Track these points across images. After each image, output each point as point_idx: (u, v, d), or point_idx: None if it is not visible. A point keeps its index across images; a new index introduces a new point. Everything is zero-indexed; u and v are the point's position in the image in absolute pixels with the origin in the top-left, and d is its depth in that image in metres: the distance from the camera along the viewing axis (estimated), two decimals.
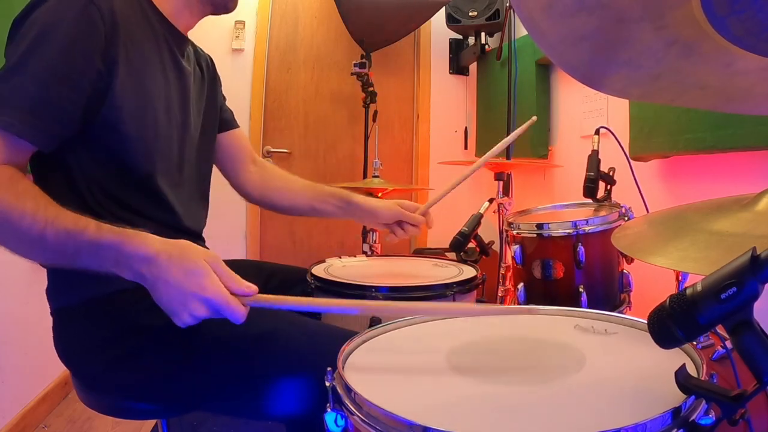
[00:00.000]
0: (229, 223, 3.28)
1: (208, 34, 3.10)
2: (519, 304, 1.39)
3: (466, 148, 3.62)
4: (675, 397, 0.50)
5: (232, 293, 0.74)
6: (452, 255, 1.65)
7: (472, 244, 1.54)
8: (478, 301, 1.22)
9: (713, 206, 0.73)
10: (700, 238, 0.64)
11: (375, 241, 1.95)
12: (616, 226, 1.30)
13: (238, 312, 0.73)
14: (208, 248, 1.04)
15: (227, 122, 1.29)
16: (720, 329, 0.48)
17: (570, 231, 1.32)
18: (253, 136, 3.32)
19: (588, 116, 2.41)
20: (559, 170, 2.71)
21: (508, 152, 2.59)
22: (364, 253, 1.91)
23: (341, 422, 0.57)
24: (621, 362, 0.65)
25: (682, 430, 0.48)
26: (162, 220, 1.00)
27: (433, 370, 0.65)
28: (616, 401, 0.55)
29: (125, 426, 2.03)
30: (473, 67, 3.52)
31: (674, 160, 1.85)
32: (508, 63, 2.70)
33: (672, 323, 0.47)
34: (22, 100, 0.79)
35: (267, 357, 0.88)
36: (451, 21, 3.13)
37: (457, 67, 3.63)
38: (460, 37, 3.54)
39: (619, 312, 0.82)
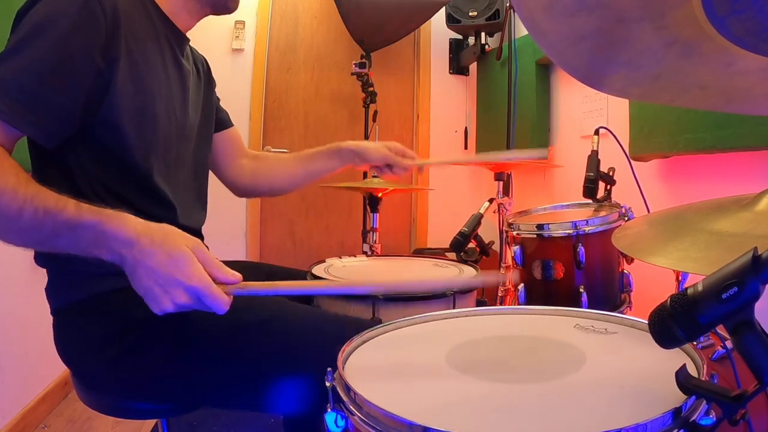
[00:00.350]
0: (229, 223, 3.28)
1: (208, 34, 3.10)
2: (519, 304, 1.39)
3: (466, 148, 3.62)
4: (675, 397, 0.50)
5: (215, 281, 0.71)
6: (452, 255, 1.65)
7: (472, 245, 1.54)
8: (479, 301, 1.22)
9: (713, 206, 0.73)
10: (701, 238, 0.64)
11: (375, 241, 1.95)
12: (617, 227, 1.30)
13: (221, 301, 0.70)
14: (207, 247, 1.05)
15: (223, 121, 1.31)
16: (720, 329, 0.48)
17: (570, 231, 1.32)
18: (253, 136, 3.32)
19: (588, 116, 2.41)
20: (559, 170, 2.71)
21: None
22: (364, 253, 1.91)
23: (341, 422, 0.57)
24: (621, 362, 0.65)
25: (682, 430, 0.48)
26: (161, 218, 0.99)
27: (433, 370, 0.65)
28: (617, 401, 0.55)
29: (125, 426, 2.03)
30: (473, 67, 3.52)
31: (674, 160, 1.85)
32: (508, 63, 2.70)
33: (673, 323, 0.47)
34: (13, 88, 0.78)
35: (267, 356, 0.88)
36: (451, 21, 3.13)
37: (457, 67, 3.63)
38: (460, 37, 3.54)
39: (620, 312, 0.82)
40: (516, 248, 1.41)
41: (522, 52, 2.72)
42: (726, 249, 0.59)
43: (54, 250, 0.75)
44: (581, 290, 1.30)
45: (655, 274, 1.03)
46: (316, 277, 1.18)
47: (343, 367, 0.65)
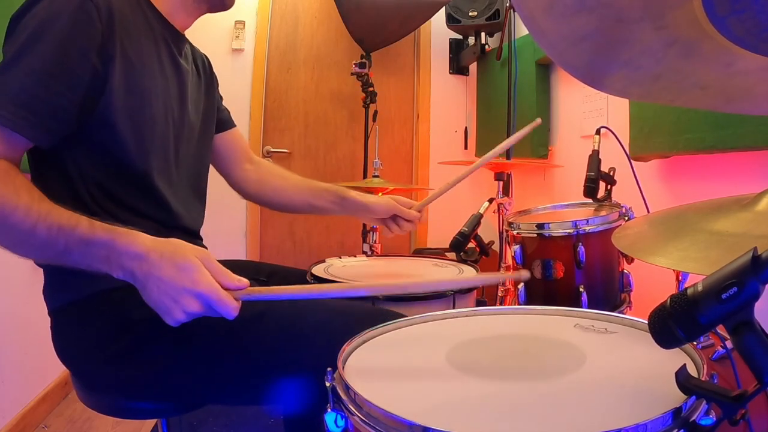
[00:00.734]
0: (229, 222, 3.28)
1: (208, 33, 3.11)
2: (519, 304, 1.39)
3: (466, 148, 3.62)
4: (675, 397, 0.50)
5: (223, 288, 0.73)
6: (452, 255, 1.65)
7: (472, 244, 1.54)
8: (479, 301, 1.22)
9: (713, 206, 0.73)
10: (701, 238, 0.64)
11: (375, 241, 1.95)
12: (617, 226, 1.30)
13: (231, 306, 0.72)
14: (205, 247, 1.05)
15: (225, 122, 1.30)
16: (720, 329, 0.48)
17: (570, 231, 1.32)
18: (253, 136, 3.32)
19: (588, 116, 2.41)
20: (559, 170, 2.71)
21: (508, 152, 2.59)
22: (364, 253, 1.91)
23: (341, 422, 0.57)
24: (621, 362, 0.65)
25: (682, 430, 0.48)
26: (159, 219, 1.00)
27: (434, 370, 0.65)
28: (617, 401, 0.55)
29: (125, 426, 2.03)
30: (473, 67, 3.52)
31: (674, 160, 1.85)
32: (508, 63, 2.70)
33: (673, 323, 0.47)
34: (17, 95, 0.79)
35: (267, 356, 0.88)
36: (451, 21, 3.13)
37: (457, 67, 3.63)
38: (460, 37, 3.54)
39: (620, 312, 0.82)
40: (516, 248, 1.41)
41: (522, 52, 2.72)
42: (726, 249, 0.59)
43: (66, 265, 0.77)
44: (581, 290, 1.30)
45: (655, 274, 1.04)
46: (316, 277, 1.18)
47: (343, 367, 0.65)
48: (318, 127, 3.49)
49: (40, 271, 0.97)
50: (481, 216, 1.58)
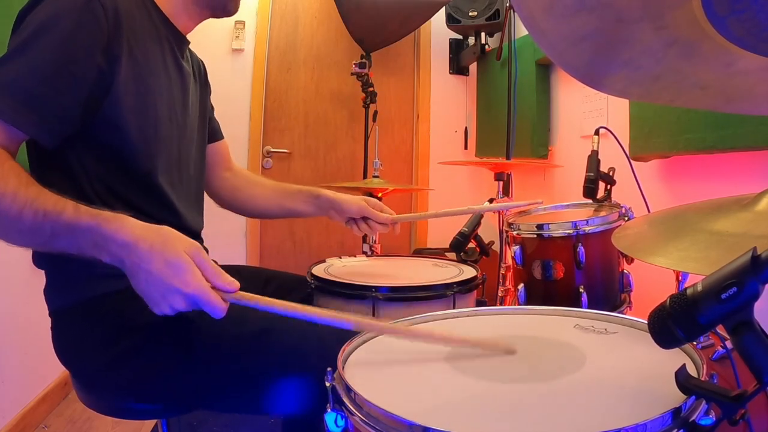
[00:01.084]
0: (229, 223, 3.28)
1: (208, 34, 3.10)
2: (519, 304, 1.39)
3: (466, 148, 3.62)
4: (675, 397, 0.50)
5: (213, 287, 0.72)
6: (452, 255, 1.65)
7: (472, 245, 1.54)
8: (479, 301, 1.22)
9: (713, 206, 0.73)
10: (701, 238, 0.64)
11: (375, 241, 1.95)
12: (617, 227, 1.30)
13: (218, 307, 0.71)
14: (206, 248, 1.05)
15: (215, 133, 1.30)
16: (720, 329, 0.48)
17: (570, 231, 1.32)
18: (253, 137, 3.32)
19: (588, 116, 2.41)
20: (559, 170, 2.71)
21: (508, 152, 2.59)
22: (364, 253, 1.91)
23: (341, 422, 0.57)
24: (621, 362, 0.65)
25: (682, 430, 0.48)
26: (164, 220, 1.00)
27: (434, 370, 0.65)
28: (617, 401, 0.55)
29: (125, 426, 2.03)
30: (473, 67, 3.52)
31: (674, 160, 1.85)
32: (508, 63, 2.70)
33: (672, 323, 0.47)
34: (17, 90, 0.79)
35: (267, 356, 0.88)
36: (451, 21, 3.13)
37: (457, 67, 3.63)
38: (460, 37, 3.54)
39: (620, 312, 0.82)
40: (516, 248, 1.41)
41: (522, 52, 2.72)
42: (726, 249, 0.59)
43: (55, 251, 0.75)
44: (581, 290, 1.30)
45: (655, 274, 1.03)
46: (316, 277, 1.18)
47: (343, 367, 0.65)
48: (318, 127, 3.49)
49: (40, 271, 0.97)
50: (481, 216, 1.58)
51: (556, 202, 1.66)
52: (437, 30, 3.51)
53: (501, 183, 2.08)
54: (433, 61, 3.63)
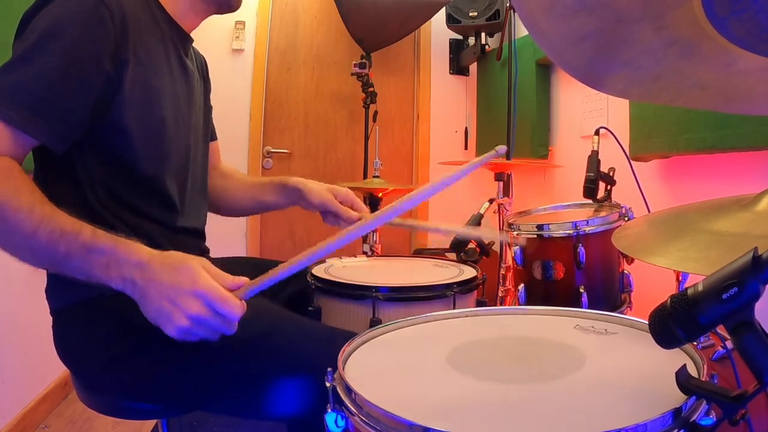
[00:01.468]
0: (229, 222, 3.25)
1: (208, 34, 3.10)
2: (520, 304, 1.39)
3: (466, 148, 3.62)
4: (675, 397, 0.50)
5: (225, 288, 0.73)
6: (452, 255, 1.65)
7: (472, 245, 1.54)
8: (479, 302, 1.22)
9: (714, 206, 0.73)
10: (701, 238, 0.64)
11: (375, 241, 1.95)
12: (617, 227, 1.30)
13: (233, 304, 0.72)
14: (207, 248, 1.05)
15: (211, 133, 1.29)
16: (720, 329, 0.48)
17: (570, 232, 1.32)
18: (253, 137, 3.32)
19: (588, 116, 2.41)
20: (559, 170, 2.71)
21: (508, 153, 2.59)
22: (364, 253, 1.91)
23: (341, 423, 0.57)
24: (621, 362, 0.65)
25: (682, 430, 0.48)
26: (165, 220, 1.00)
27: (434, 371, 0.65)
28: (617, 401, 0.55)
29: (125, 426, 2.03)
30: (473, 68, 3.52)
31: (674, 160, 1.85)
32: (509, 63, 2.70)
33: (673, 323, 0.47)
34: (24, 95, 0.79)
35: (267, 356, 0.88)
36: (451, 21, 3.13)
37: (458, 67, 3.63)
38: (461, 37, 3.54)
39: (620, 312, 0.82)
40: (516, 248, 1.41)
41: (522, 53, 2.72)
42: (726, 249, 0.59)
43: (63, 273, 0.76)
44: (581, 290, 1.30)
45: (656, 275, 1.03)
46: (316, 277, 1.18)
47: (344, 368, 0.65)
48: (318, 127, 3.49)
49: (41, 271, 0.97)
50: (481, 216, 1.58)
51: (556, 203, 1.66)
52: (437, 30, 3.51)
53: (501, 183, 2.08)
54: (434, 61, 3.63)
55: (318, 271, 1.25)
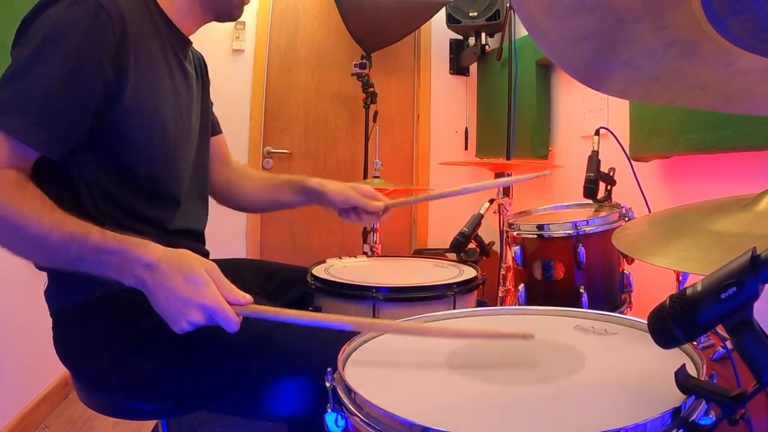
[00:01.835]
0: (229, 223, 3.28)
1: (208, 34, 3.08)
2: (520, 305, 1.39)
3: (466, 148, 3.62)
4: (675, 397, 0.50)
5: (228, 302, 0.75)
6: (452, 255, 1.65)
7: (472, 245, 1.54)
8: (479, 301, 1.22)
9: (714, 206, 0.73)
10: (701, 239, 0.64)
11: (375, 241, 1.95)
12: (617, 227, 1.30)
13: (233, 321, 0.74)
14: (207, 251, 1.05)
15: (213, 128, 1.29)
16: (720, 329, 0.48)
17: (570, 232, 1.32)
18: (253, 137, 3.32)
19: (588, 116, 2.41)
20: (559, 171, 2.70)
21: (508, 153, 2.59)
22: (365, 253, 1.91)
23: (341, 423, 0.57)
24: (621, 362, 0.65)
25: (682, 430, 0.48)
26: (164, 223, 1.00)
27: (434, 371, 0.65)
28: (616, 401, 0.55)
29: (125, 426, 2.03)
30: (473, 68, 3.52)
31: (674, 161, 1.85)
32: (509, 63, 2.70)
33: (672, 323, 0.47)
34: (27, 106, 0.79)
35: (268, 357, 0.88)
36: (452, 21, 3.13)
37: (458, 67, 3.63)
38: (461, 37, 3.54)
39: (620, 312, 0.82)
40: (516, 248, 1.41)
41: (522, 53, 2.72)
42: (726, 249, 0.59)
43: (75, 271, 0.78)
44: (581, 290, 1.30)
45: (656, 275, 1.03)
46: (316, 278, 1.18)
47: (344, 368, 0.65)
48: (318, 127, 3.49)
49: (41, 271, 0.97)
50: (481, 216, 1.58)
51: (556, 203, 1.66)
52: (437, 30, 3.51)
53: None
54: (434, 61, 3.63)
55: (318, 271, 1.25)
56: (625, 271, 1.40)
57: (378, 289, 1.08)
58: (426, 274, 1.29)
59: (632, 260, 1.36)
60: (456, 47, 3.61)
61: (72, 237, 0.76)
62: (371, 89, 3.00)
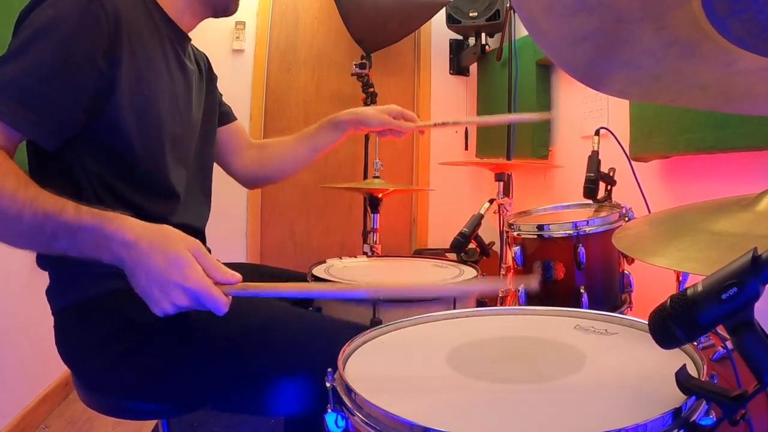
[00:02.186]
0: (229, 223, 3.28)
1: (208, 34, 3.10)
2: (520, 305, 1.39)
3: (466, 148, 3.62)
4: (675, 397, 0.50)
5: (215, 282, 0.72)
6: (453, 256, 1.65)
7: (472, 245, 1.54)
8: (479, 302, 1.21)
9: (714, 206, 0.73)
10: (701, 239, 0.64)
11: (375, 241, 1.95)
12: (617, 227, 1.30)
13: (220, 302, 0.71)
14: (209, 248, 1.05)
15: (227, 115, 1.31)
16: (721, 329, 0.48)
17: (570, 232, 1.32)
18: (253, 137, 3.28)
19: (588, 116, 2.41)
20: (559, 171, 2.71)
21: (508, 153, 2.59)
22: (365, 253, 1.91)
23: (342, 423, 0.57)
24: (621, 362, 0.65)
25: (682, 430, 0.48)
26: (164, 218, 1.00)
27: (434, 371, 0.65)
28: (617, 402, 0.55)
29: (125, 426, 2.03)
30: (473, 68, 3.52)
31: (675, 161, 1.85)
32: (509, 63, 2.70)
33: (673, 323, 0.47)
34: (15, 91, 0.79)
35: (268, 357, 0.88)
36: (452, 21, 3.13)
37: (458, 67, 3.63)
38: (461, 37, 3.54)
39: (620, 312, 0.82)
40: (516, 249, 1.41)
41: (522, 53, 2.72)
42: (726, 249, 0.59)
43: (54, 253, 0.76)
44: (582, 291, 1.30)
45: (656, 275, 1.03)
46: (316, 278, 1.18)
47: (344, 368, 0.65)
48: None
49: (41, 271, 0.97)
50: (481, 216, 1.58)
51: (556, 203, 1.66)
52: (437, 30, 3.51)
53: (501, 183, 2.08)
54: (434, 61, 3.63)
55: (318, 271, 1.26)
56: (626, 272, 1.39)
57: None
58: (426, 274, 1.29)
59: (632, 260, 1.36)
60: (456, 47, 3.61)
61: (45, 215, 0.72)
62: (371, 89, 3.00)
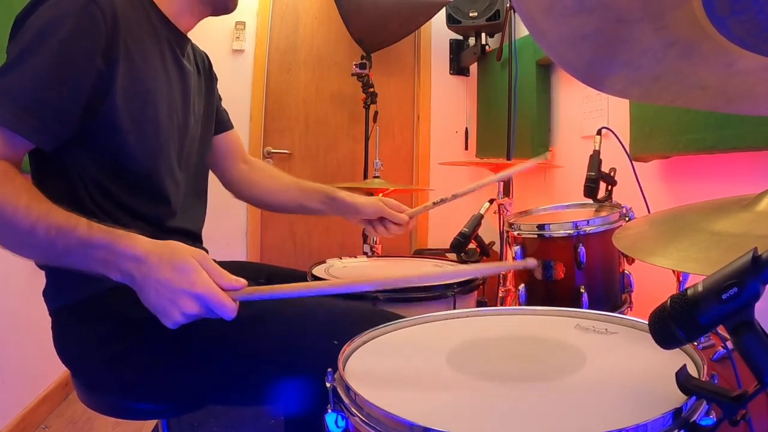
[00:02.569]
0: (229, 223, 3.28)
1: (208, 35, 3.10)
2: (520, 305, 1.39)
3: (466, 148, 3.62)
4: (676, 397, 0.50)
5: (222, 289, 0.73)
6: (453, 256, 1.65)
7: (472, 245, 1.54)
8: (479, 302, 1.22)
9: (714, 206, 0.73)
10: (701, 239, 0.64)
11: (375, 242, 1.95)
12: (617, 227, 1.30)
13: (229, 307, 0.72)
14: (206, 249, 1.05)
15: (223, 123, 1.30)
16: (721, 329, 0.48)
17: (571, 232, 1.32)
18: (253, 137, 3.32)
19: (588, 116, 2.41)
20: (559, 171, 2.71)
21: (508, 153, 2.59)
22: (365, 253, 1.91)
23: (342, 423, 0.57)
24: (622, 362, 0.65)
25: (682, 430, 0.48)
26: (159, 220, 1.00)
27: (434, 371, 0.65)
28: (617, 402, 0.55)
29: (126, 426, 2.03)
30: (474, 68, 3.52)
31: (675, 161, 1.85)
32: (509, 63, 2.70)
33: (673, 323, 0.47)
34: (18, 97, 0.79)
35: (268, 357, 0.88)
36: (452, 21, 3.13)
37: (458, 67, 3.63)
38: (461, 37, 3.54)
39: (620, 312, 0.82)
40: (517, 249, 1.41)
41: (522, 53, 2.72)
42: (726, 249, 0.59)
43: (66, 267, 0.77)
44: (582, 290, 1.30)
45: (656, 275, 1.03)
46: (316, 278, 1.18)
47: (344, 368, 0.65)
48: (318, 128, 3.49)
49: (40, 271, 0.97)
50: (481, 216, 1.58)
51: (556, 203, 1.66)
52: (437, 30, 3.51)
53: (501, 183, 2.08)
54: (434, 61, 3.63)
55: (318, 271, 1.26)
56: (626, 271, 1.39)
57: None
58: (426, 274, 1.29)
59: (633, 260, 1.36)
60: (456, 47, 3.61)
61: (58, 230, 0.74)
62: (371, 89, 3.00)
